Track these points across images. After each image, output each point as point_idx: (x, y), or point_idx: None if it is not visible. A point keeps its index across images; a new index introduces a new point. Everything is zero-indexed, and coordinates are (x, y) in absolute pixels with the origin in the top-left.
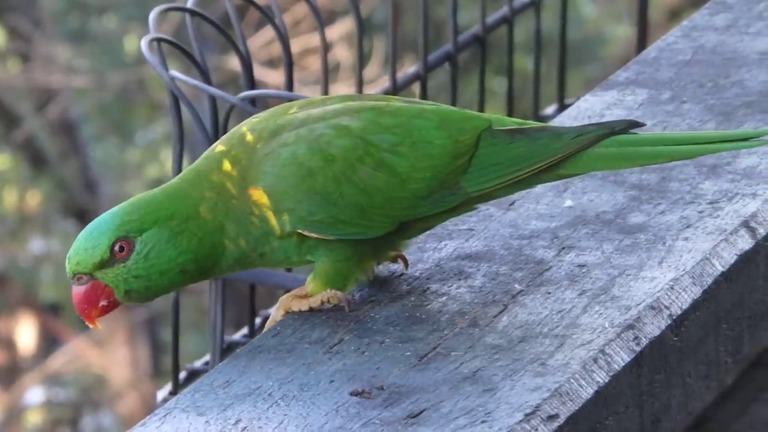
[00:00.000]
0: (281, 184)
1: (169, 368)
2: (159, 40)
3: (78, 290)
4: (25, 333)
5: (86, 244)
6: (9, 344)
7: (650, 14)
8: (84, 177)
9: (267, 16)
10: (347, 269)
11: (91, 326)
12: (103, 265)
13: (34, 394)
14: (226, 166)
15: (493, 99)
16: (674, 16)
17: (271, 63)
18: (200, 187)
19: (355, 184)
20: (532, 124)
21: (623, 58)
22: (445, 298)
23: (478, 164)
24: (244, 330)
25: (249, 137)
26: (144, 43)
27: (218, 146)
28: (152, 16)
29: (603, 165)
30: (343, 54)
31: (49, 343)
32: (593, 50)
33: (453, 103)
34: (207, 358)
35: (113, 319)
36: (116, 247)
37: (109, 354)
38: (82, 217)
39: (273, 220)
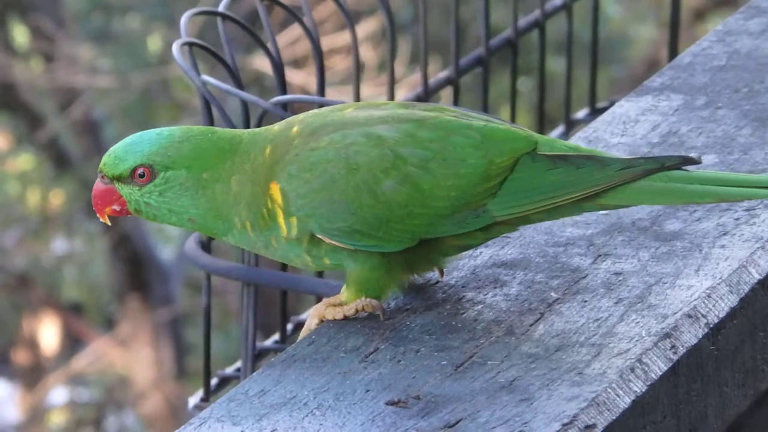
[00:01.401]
0: (301, 188)
1: (194, 369)
2: (191, 44)
3: (98, 186)
4: (49, 333)
5: (118, 153)
6: (32, 344)
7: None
8: None
9: (298, 19)
10: (377, 278)
11: (100, 219)
12: (121, 179)
13: (58, 395)
14: (267, 151)
15: (519, 100)
16: (699, 16)
17: (295, 63)
18: (243, 158)
19: (376, 195)
20: (584, 150)
21: (647, 58)
22: (480, 306)
23: (510, 188)
24: (276, 336)
25: (294, 129)
26: (176, 47)
27: (277, 127)
28: (184, 19)
29: (648, 199)
30: (368, 54)
31: (72, 343)
32: (618, 51)
33: (484, 106)
34: (239, 364)
35: (137, 319)
36: (138, 171)
37: (133, 354)
38: None
39: (281, 220)
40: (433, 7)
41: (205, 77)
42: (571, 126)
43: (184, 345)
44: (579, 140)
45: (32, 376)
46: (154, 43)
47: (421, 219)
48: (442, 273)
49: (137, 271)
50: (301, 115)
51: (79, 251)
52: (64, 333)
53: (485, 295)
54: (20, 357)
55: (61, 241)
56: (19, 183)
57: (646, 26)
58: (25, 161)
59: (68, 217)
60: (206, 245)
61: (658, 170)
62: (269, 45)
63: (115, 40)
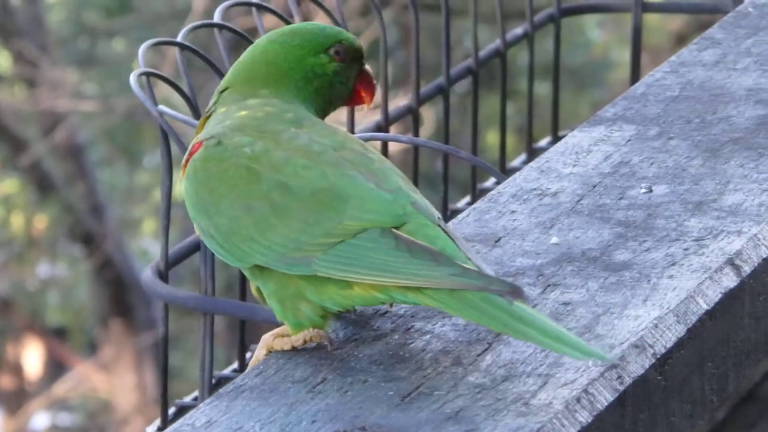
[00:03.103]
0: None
1: (177, 394)
2: (148, 74)
3: None
4: (32, 358)
5: None
6: (16, 369)
7: (655, 40)
8: (91, 201)
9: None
10: (280, 304)
11: None
12: None
13: (41, 419)
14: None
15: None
16: (680, 41)
17: None
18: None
19: (223, 200)
20: (443, 244)
21: (629, 82)
22: (429, 336)
23: (343, 250)
24: (235, 365)
25: (214, 111)
26: (133, 77)
27: (235, 106)
28: (141, 50)
29: (466, 313)
30: None
31: (55, 368)
32: (600, 74)
33: (474, 118)
34: (197, 393)
35: (119, 343)
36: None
37: (116, 379)
38: (89, 241)
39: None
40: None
41: (162, 107)
42: (534, 154)
43: (167, 369)
44: (531, 170)
45: (15, 400)
46: (138, 67)
47: (256, 246)
48: (391, 303)
49: (120, 295)
50: (257, 109)
51: (63, 275)
52: (47, 357)
53: (434, 324)
54: (3, 381)
55: (44, 265)
56: (3, 207)
57: (628, 50)
58: (8, 185)
59: (51, 241)
60: (164, 275)
61: (480, 290)
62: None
63: (99, 64)
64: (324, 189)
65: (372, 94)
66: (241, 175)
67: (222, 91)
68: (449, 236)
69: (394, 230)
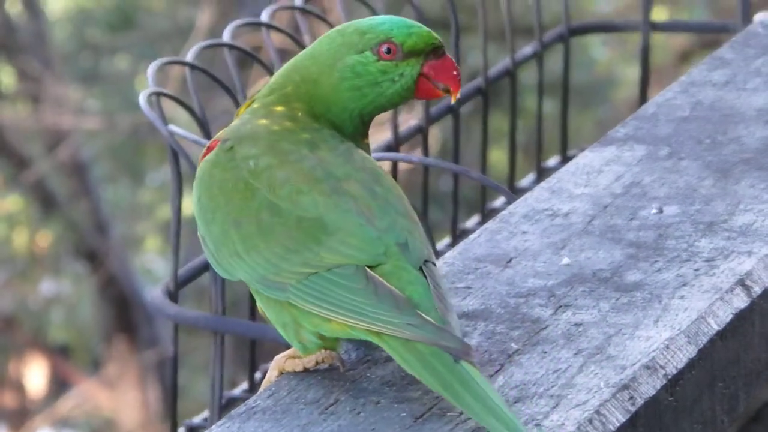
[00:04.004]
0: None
1: (181, 411)
2: (158, 94)
3: None
4: (35, 375)
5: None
6: (19, 386)
7: (660, 59)
8: (95, 218)
9: (269, 70)
10: (282, 328)
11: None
12: None
13: None
14: (239, 112)
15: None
16: (684, 58)
17: None
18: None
19: (219, 210)
20: (415, 290)
21: (634, 100)
22: None
23: (315, 282)
24: (244, 385)
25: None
26: (142, 97)
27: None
28: (151, 70)
29: (414, 367)
30: None
31: (58, 385)
32: (604, 93)
33: (484, 138)
34: (206, 413)
35: (124, 361)
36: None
37: (120, 396)
38: (93, 258)
39: None
40: None
41: (172, 127)
42: (543, 174)
43: (176, 389)
44: (543, 190)
45: (18, 418)
46: (142, 84)
47: (241, 263)
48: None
49: (124, 312)
50: (277, 121)
51: (66, 293)
52: (50, 375)
53: None
54: (6, 399)
55: (48, 282)
56: (6, 224)
57: (633, 68)
58: (11, 202)
59: (55, 259)
60: (173, 294)
61: (432, 343)
62: (238, 94)
63: (103, 80)
64: (311, 218)
65: (452, 81)
66: (238, 189)
67: (272, 83)
68: (428, 282)
69: (368, 270)
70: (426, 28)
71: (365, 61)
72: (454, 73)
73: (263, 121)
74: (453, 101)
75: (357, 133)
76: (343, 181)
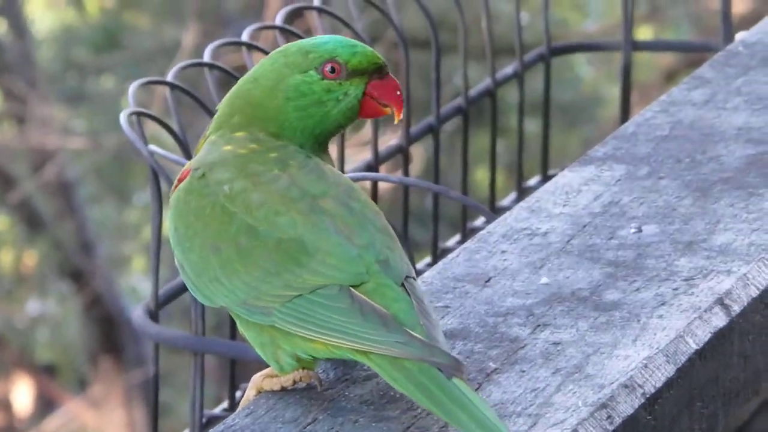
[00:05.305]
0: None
1: (165, 430)
2: (139, 113)
3: None
4: (21, 394)
5: None
6: (5, 405)
7: (645, 77)
8: (80, 238)
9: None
10: (260, 349)
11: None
12: None
13: None
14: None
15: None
16: (670, 78)
17: None
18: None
19: (197, 237)
20: (399, 307)
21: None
22: None
23: (299, 304)
24: (225, 404)
25: (207, 139)
26: (123, 117)
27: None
28: (131, 89)
29: (404, 385)
30: None
31: (44, 404)
32: (589, 111)
33: (464, 157)
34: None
35: (109, 380)
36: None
37: (105, 415)
38: (78, 278)
39: None
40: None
41: (153, 147)
42: (524, 193)
43: (157, 405)
44: (522, 210)
45: None
46: (128, 104)
47: (221, 288)
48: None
49: (110, 332)
50: (241, 144)
51: (52, 312)
52: (36, 394)
53: None
54: None
55: (34, 302)
56: None
57: (618, 86)
58: None
59: (41, 279)
60: (154, 314)
61: (420, 360)
62: None
63: (88, 100)
64: (290, 239)
65: (395, 101)
66: (215, 214)
67: (218, 116)
68: (411, 298)
69: (351, 289)
70: (370, 48)
71: (309, 80)
72: (398, 93)
73: (228, 147)
74: (396, 122)
75: (316, 151)
76: (320, 199)
